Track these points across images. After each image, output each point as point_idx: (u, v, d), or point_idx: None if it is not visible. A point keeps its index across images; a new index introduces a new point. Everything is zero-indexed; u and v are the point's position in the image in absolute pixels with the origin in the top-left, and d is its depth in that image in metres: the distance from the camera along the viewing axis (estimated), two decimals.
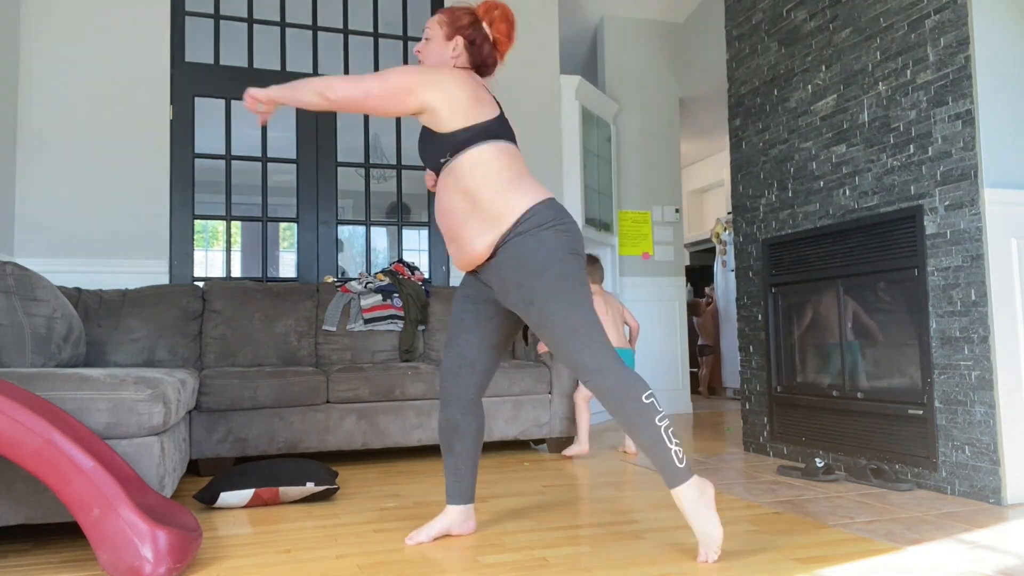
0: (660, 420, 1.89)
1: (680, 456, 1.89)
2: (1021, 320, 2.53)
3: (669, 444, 1.88)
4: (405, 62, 4.71)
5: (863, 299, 2.97)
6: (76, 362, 3.06)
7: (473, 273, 2.11)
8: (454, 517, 2.17)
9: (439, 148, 1.99)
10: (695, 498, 1.88)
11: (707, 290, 7.17)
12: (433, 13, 4.75)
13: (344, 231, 7.92)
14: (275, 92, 1.97)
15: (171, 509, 2.02)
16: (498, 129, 2.00)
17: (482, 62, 2.13)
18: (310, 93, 1.93)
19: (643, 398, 1.88)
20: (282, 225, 7.61)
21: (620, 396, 1.89)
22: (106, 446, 2.03)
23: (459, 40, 2.09)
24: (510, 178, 1.97)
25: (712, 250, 8.32)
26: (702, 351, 7.18)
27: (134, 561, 1.72)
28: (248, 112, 2.01)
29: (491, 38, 2.13)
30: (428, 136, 2.02)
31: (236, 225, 8.07)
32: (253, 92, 1.98)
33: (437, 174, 2.05)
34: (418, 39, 4.72)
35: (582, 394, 3.66)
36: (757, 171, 3.60)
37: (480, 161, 1.96)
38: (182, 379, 2.63)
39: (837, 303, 3.09)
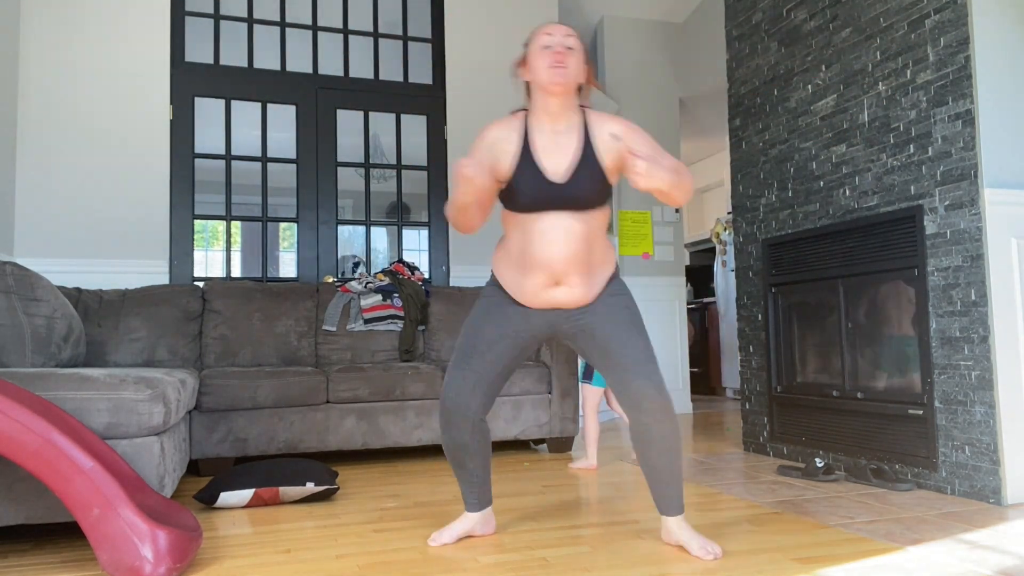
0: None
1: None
2: (1021, 320, 2.53)
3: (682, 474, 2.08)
4: (405, 62, 4.70)
5: (863, 299, 2.97)
6: (76, 362, 3.06)
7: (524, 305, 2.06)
8: (476, 520, 2.17)
9: (604, 193, 2.00)
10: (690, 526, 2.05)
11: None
12: (433, 13, 4.75)
13: (344, 231, 7.91)
14: (665, 180, 1.84)
15: (171, 509, 2.02)
16: None
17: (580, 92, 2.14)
18: (686, 191, 1.92)
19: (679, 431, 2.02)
20: (282, 225, 7.62)
21: (676, 422, 1.99)
22: (106, 446, 2.03)
23: (585, 69, 2.03)
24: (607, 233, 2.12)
25: (712, 250, 8.32)
26: None
27: (134, 561, 1.72)
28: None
29: None
30: (600, 177, 1.98)
31: (236, 225, 8.07)
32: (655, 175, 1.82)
33: (552, 207, 1.94)
34: (418, 39, 4.72)
35: (591, 404, 3.39)
36: (757, 171, 3.60)
37: (606, 218, 2.08)
38: (182, 379, 2.63)
39: (837, 303, 3.09)
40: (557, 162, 1.97)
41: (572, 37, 2.01)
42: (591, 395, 3.39)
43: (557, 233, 1.95)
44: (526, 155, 1.98)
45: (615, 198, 5.52)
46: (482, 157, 2.00)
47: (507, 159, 1.99)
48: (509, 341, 2.05)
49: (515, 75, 2.06)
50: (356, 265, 4.52)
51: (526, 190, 1.95)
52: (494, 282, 2.11)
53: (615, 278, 2.10)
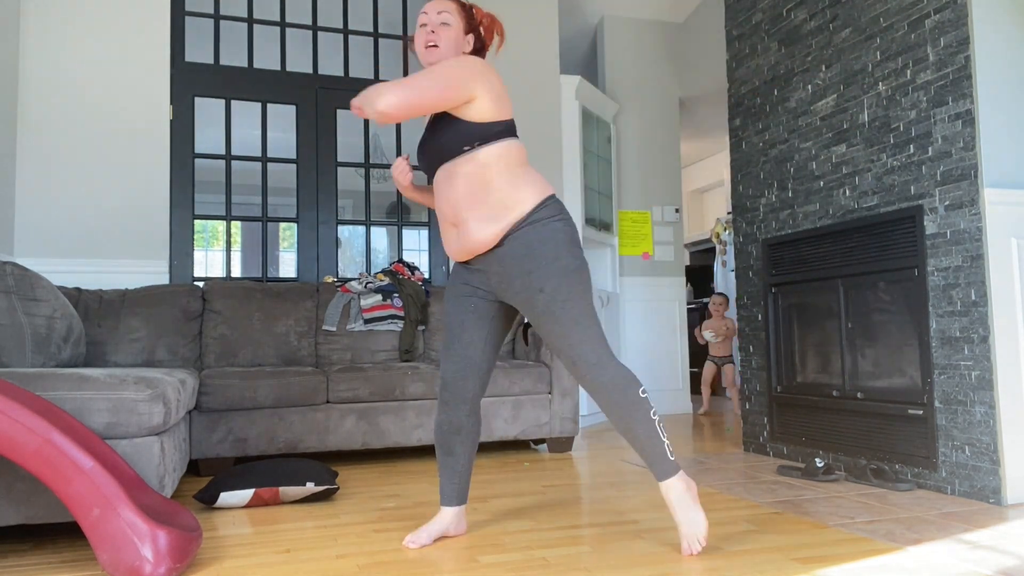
0: (654, 414, 1.98)
1: (671, 450, 1.99)
2: (1021, 320, 2.53)
3: (662, 437, 1.97)
4: (405, 62, 4.70)
5: (863, 299, 2.97)
6: (76, 362, 3.06)
7: (465, 270, 2.11)
8: (450, 519, 2.16)
9: (465, 136, 1.98)
10: (683, 490, 1.97)
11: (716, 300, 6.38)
12: None
13: (344, 231, 7.92)
14: (358, 101, 1.94)
15: (171, 509, 2.02)
16: (515, 128, 2.07)
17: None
18: (368, 110, 1.91)
19: (639, 392, 1.96)
20: (282, 225, 7.62)
21: (617, 390, 1.95)
22: (106, 446, 2.03)
23: (471, 37, 2.10)
24: (524, 173, 2.03)
25: (712, 250, 8.32)
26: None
27: (134, 561, 1.72)
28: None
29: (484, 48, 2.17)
30: (452, 123, 1.98)
31: (236, 225, 8.08)
32: (362, 105, 1.95)
33: (437, 164, 2.04)
34: None
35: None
36: (757, 171, 3.60)
37: (505, 155, 2.00)
38: (182, 379, 2.63)
39: (837, 303, 3.09)
40: (431, 120, 2.09)
41: (447, 13, 2.07)
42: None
43: (442, 183, 2.03)
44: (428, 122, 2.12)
45: (614, 198, 5.52)
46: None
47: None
48: (472, 316, 2.11)
49: (411, 51, 2.16)
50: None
51: (418, 155, 2.12)
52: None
53: (527, 217, 1.98)
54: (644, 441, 1.96)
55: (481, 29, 2.14)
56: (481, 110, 1.97)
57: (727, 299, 6.00)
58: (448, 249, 2.09)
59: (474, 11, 2.14)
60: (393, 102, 1.86)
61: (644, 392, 1.97)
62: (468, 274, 2.12)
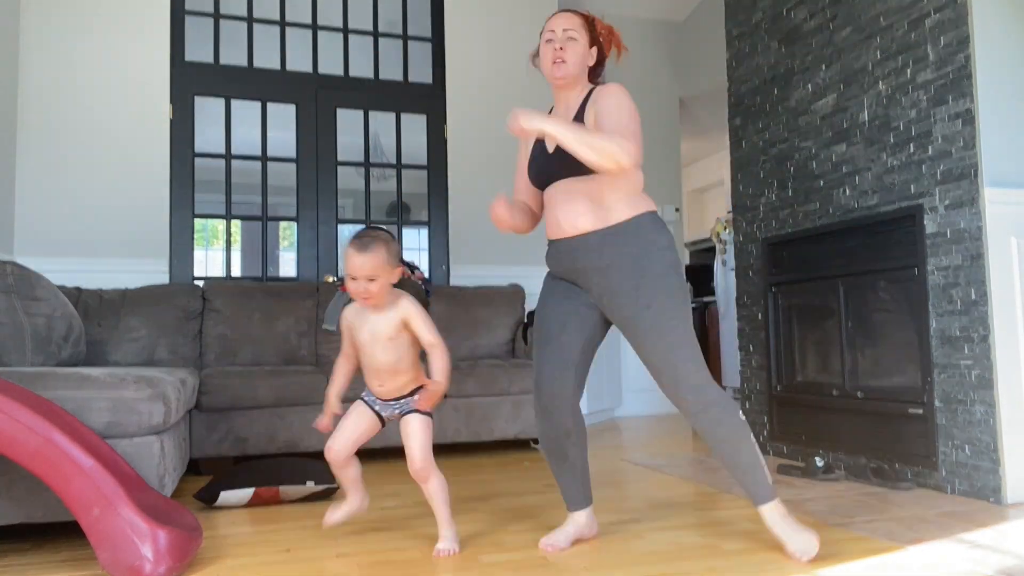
0: (752, 438, 1.96)
1: (768, 473, 1.96)
2: (1021, 320, 2.52)
3: (762, 461, 1.96)
4: (405, 62, 4.70)
5: (863, 298, 2.97)
6: (76, 361, 3.06)
7: (563, 270, 2.09)
8: (583, 521, 2.12)
9: None
10: (784, 513, 1.94)
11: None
12: (433, 14, 4.75)
13: (344, 231, 7.90)
14: (549, 128, 1.84)
15: (171, 508, 2.02)
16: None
17: (593, 73, 2.18)
18: (602, 157, 1.83)
19: (740, 415, 1.95)
20: (282, 224, 7.61)
21: (724, 412, 1.93)
22: (106, 445, 2.03)
23: (595, 50, 2.13)
24: (639, 193, 2.05)
25: (712, 250, 8.32)
26: None
27: (134, 560, 1.72)
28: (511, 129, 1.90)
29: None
30: None
31: (236, 224, 8.07)
32: (525, 124, 1.85)
33: (558, 178, 2.02)
34: (419, 38, 4.72)
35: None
36: (757, 170, 3.60)
37: (631, 178, 2.03)
38: (182, 378, 2.63)
39: (837, 302, 3.09)
40: None
41: (573, 30, 2.07)
42: None
43: (559, 196, 2.02)
44: (539, 139, 2.09)
45: None
46: (520, 186, 2.21)
47: (529, 144, 2.16)
48: (574, 319, 2.07)
49: (532, 65, 2.17)
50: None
51: (534, 167, 2.11)
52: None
53: (637, 223, 1.99)
54: (746, 466, 1.94)
55: (601, 40, 2.16)
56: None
57: None
58: (550, 232, 2.07)
59: (595, 23, 2.15)
60: (624, 162, 1.85)
61: (744, 415, 1.97)
62: (567, 284, 2.10)
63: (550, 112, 2.17)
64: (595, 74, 2.19)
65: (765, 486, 1.94)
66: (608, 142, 1.84)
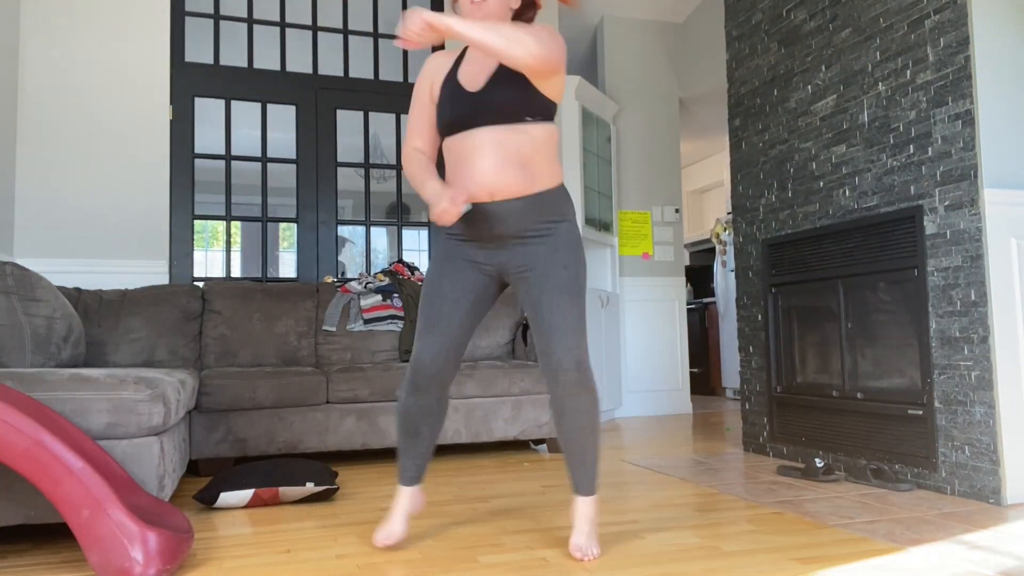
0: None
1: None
2: (1021, 320, 2.53)
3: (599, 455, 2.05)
4: (405, 62, 4.70)
5: (863, 299, 2.97)
6: (76, 362, 3.06)
7: (468, 247, 2.00)
8: (416, 497, 2.14)
9: (533, 104, 1.89)
10: (596, 511, 2.04)
11: None
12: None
13: (344, 231, 7.91)
14: (459, 27, 1.71)
15: (163, 510, 2.01)
16: None
17: (520, 18, 2.06)
18: (516, 44, 1.72)
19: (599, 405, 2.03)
20: (282, 225, 7.61)
21: (595, 399, 1.98)
22: (98, 447, 2.02)
23: None
24: (557, 157, 2.01)
25: (712, 250, 8.32)
26: None
27: (123, 562, 1.72)
28: (405, 35, 1.71)
29: None
30: (525, 87, 1.88)
31: (236, 225, 8.07)
32: (433, 21, 1.71)
33: (482, 122, 1.89)
34: None
35: None
36: (757, 171, 3.60)
37: (552, 138, 1.96)
38: (182, 379, 2.63)
39: (837, 303, 3.09)
40: (475, 76, 1.94)
41: None
42: None
43: (485, 147, 1.88)
44: (451, 76, 1.99)
45: (614, 198, 5.52)
46: (420, 106, 2.05)
47: (439, 82, 2.03)
48: (471, 295, 2.01)
49: (452, 10, 2.03)
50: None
51: (447, 108, 1.94)
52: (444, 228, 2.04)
53: (559, 198, 1.96)
54: (594, 453, 2.00)
55: None
56: (556, 87, 1.91)
57: None
58: (473, 193, 1.91)
59: None
60: (539, 53, 1.73)
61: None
62: (472, 250, 2.01)
63: (460, 57, 2.03)
64: (522, 17, 2.06)
65: (597, 477, 2.03)
66: (521, 32, 1.75)
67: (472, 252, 2.01)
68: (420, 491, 2.18)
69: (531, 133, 1.91)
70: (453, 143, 1.94)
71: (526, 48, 1.74)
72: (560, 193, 1.99)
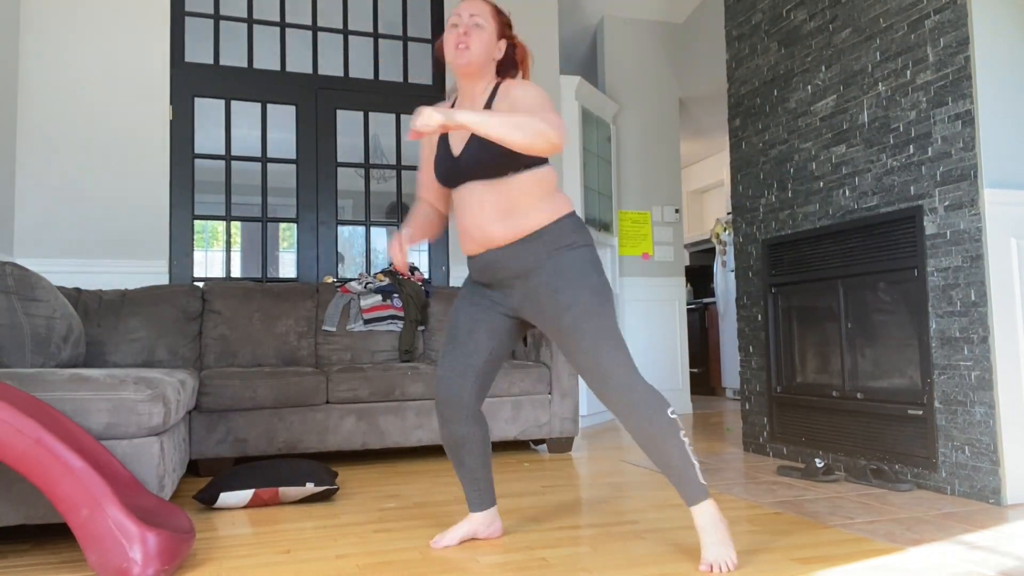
0: (684, 436, 1.89)
1: (701, 473, 1.91)
2: (1021, 320, 2.53)
3: (693, 460, 1.88)
4: (405, 62, 4.70)
5: (863, 299, 2.97)
6: (76, 362, 3.06)
7: (484, 286, 2.07)
8: (480, 522, 2.13)
9: (509, 159, 1.92)
10: (717, 516, 1.87)
11: None
12: (433, 15, 4.75)
13: (344, 232, 7.91)
14: (470, 120, 1.71)
15: (165, 510, 2.01)
16: None
17: (503, 73, 2.09)
18: (533, 136, 1.73)
19: (669, 413, 1.88)
20: (282, 225, 7.61)
21: (647, 412, 1.86)
22: (100, 446, 2.02)
23: (504, 43, 2.04)
24: (552, 198, 1.99)
25: (712, 250, 8.32)
26: None
27: (122, 562, 1.71)
28: (413, 129, 1.74)
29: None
30: (496, 145, 1.90)
31: (236, 225, 8.08)
32: (444, 121, 1.70)
33: (466, 179, 1.96)
34: (419, 39, 4.72)
35: None
36: (757, 171, 3.60)
37: (543, 180, 1.97)
38: (182, 379, 2.63)
39: (837, 303, 3.09)
40: (461, 136, 2.00)
41: (480, 16, 1.98)
42: None
43: (470, 203, 1.97)
44: (442, 138, 2.04)
45: (614, 198, 5.52)
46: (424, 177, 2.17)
47: (433, 141, 2.10)
48: (484, 326, 2.05)
49: (438, 54, 2.08)
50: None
51: (438, 168, 2.04)
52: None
53: (555, 230, 1.95)
54: (675, 464, 1.87)
55: (512, 36, 2.07)
56: None
57: None
58: (464, 248, 2.03)
59: (503, 15, 2.06)
60: (556, 142, 1.76)
61: (673, 413, 1.89)
62: (489, 292, 2.07)
63: (452, 106, 2.09)
64: (505, 73, 2.09)
65: (696, 485, 1.86)
66: (533, 119, 1.75)
67: (490, 293, 2.07)
68: (492, 516, 2.14)
69: (513, 183, 1.94)
70: (452, 196, 2.05)
71: (544, 138, 1.76)
72: (558, 226, 1.95)
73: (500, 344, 2.08)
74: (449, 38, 1.98)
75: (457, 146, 1.99)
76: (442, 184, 2.05)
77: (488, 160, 1.92)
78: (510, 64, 2.09)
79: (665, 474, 1.90)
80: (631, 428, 1.89)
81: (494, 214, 1.93)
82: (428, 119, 1.71)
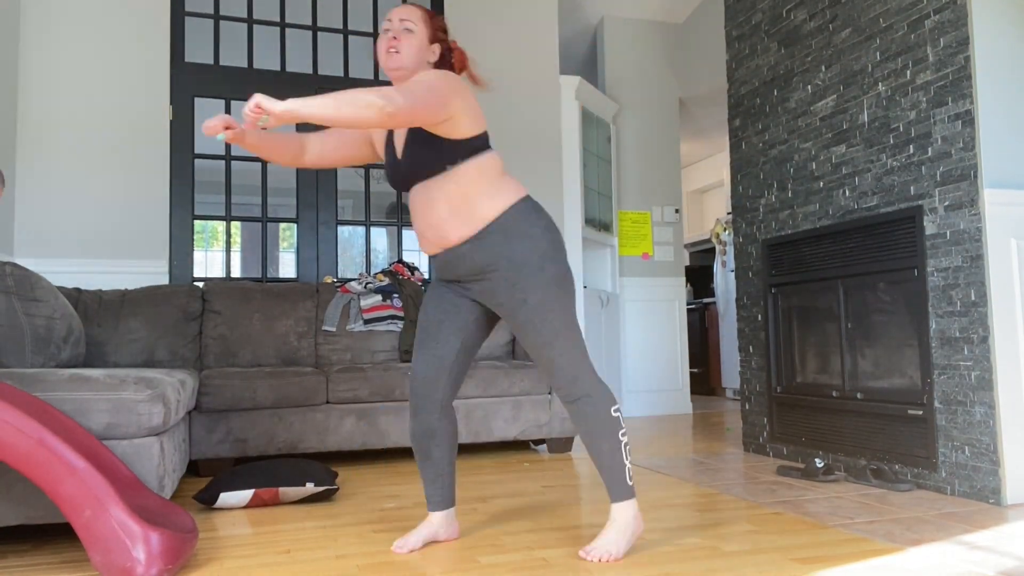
0: (623, 435, 1.99)
1: (631, 474, 1.99)
2: (1021, 320, 2.53)
3: (626, 460, 1.98)
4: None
5: (863, 299, 2.97)
6: (76, 362, 3.06)
7: (448, 278, 2.08)
8: (439, 523, 2.13)
9: (445, 154, 1.93)
10: (631, 519, 1.97)
11: None
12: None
13: (344, 232, 7.91)
14: (294, 105, 1.67)
15: (168, 510, 2.01)
16: (488, 138, 2.06)
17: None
18: (362, 108, 1.71)
19: (612, 411, 1.98)
20: (282, 225, 7.61)
21: (592, 405, 1.97)
22: (102, 446, 2.02)
23: (437, 47, 2.05)
24: (502, 182, 2.00)
25: (712, 250, 8.32)
26: None
27: (125, 562, 1.72)
28: (244, 119, 1.68)
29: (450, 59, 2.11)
30: (430, 142, 1.93)
31: (236, 225, 8.08)
32: (263, 103, 1.65)
33: (412, 182, 1.99)
34: None
35: None
36: (757, 171, 3.60)
37: (484, 169, 1.97)
38: (182, 379, 2.63)
39: (837, 303, 3.09)
40: (401, 139, 2.03)
41: (410, 21, 2.00)
42: None
43: (421, 204, 1.99)
44: (388, 139, 2.08)
45: (614, 198, 5.52)
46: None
47: (378, 141, 2.14)
48: (453, 319, 2.08)
49: (375, 58, 2.11)
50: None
51: (388, 173, 2.07)
52: None
53: (507, 219, 1.95)
54: (608, 459, 1.96)
55: (444, 40, 2.07)
56: (460, 127, 1.93)
57: None
58: (427, 245, 2.04)
59: (436, 19, 2.07)
60: (388, 108, 1.74)
61: (617, 411, 1.98)
62: (455, 284, 2.09)
63: None
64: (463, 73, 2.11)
65: (623, 486, 1.96)
66: (366, 92, 1.72)
67: (455, 287, 2.10)
68: (450, 517, 2.14)
69: (457, 177, 1.95)
70: (409, 201, 2.06)
71: (375, 108, 1.72)
72: (508, 216, 1.95)
73: (469, 336, 2.10)
74: (381, 42, 2.01)
75: (400, 149, 2.03)
76: (396, 189, 2.08)
77: (425, 157, 1.95)
78: (448, 68, 2.09)
79: (597, 468, 1.99)
80: (574, 420, 1.99)
81: (444, 212, 1.95)
82: (269, 105, 1.65)
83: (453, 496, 2.15)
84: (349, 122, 1.71)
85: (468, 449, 3.95)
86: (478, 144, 1.97)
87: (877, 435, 2.89)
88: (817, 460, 2.92)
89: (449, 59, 2.09)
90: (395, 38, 1.99)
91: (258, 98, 1.65)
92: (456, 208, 1.94)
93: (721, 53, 5.39)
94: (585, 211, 5.03)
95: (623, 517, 1.96)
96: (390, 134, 2.08)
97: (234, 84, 4.30)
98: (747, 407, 3.66)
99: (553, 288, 1.94)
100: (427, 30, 2.03)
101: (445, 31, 2.09)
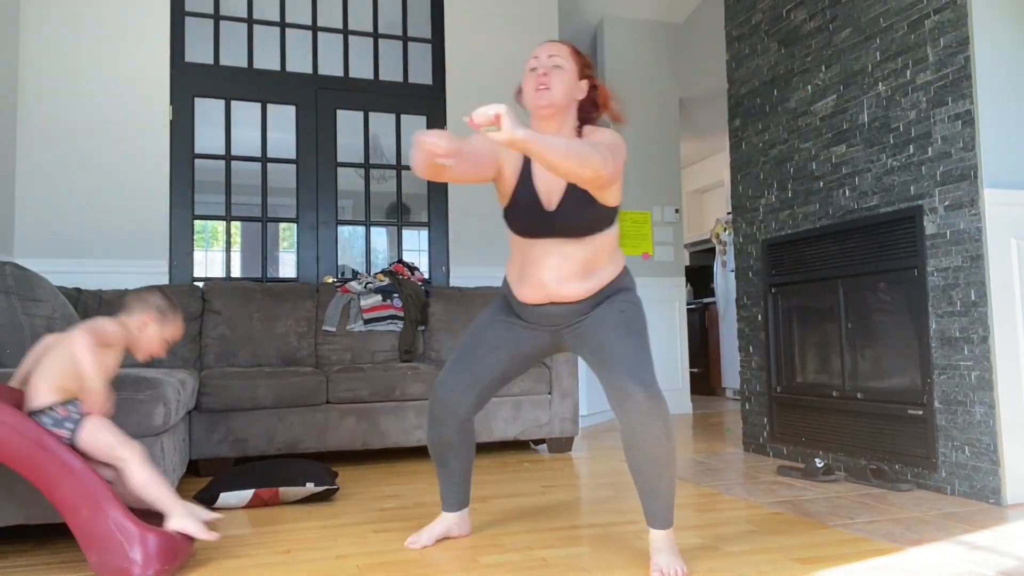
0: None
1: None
2: (1021, 320, 2.53)
3: (674, 484, 1.88)
4: (405, 63, 4.70)
5: (863, 299, 2.97)
6: None
7: (525, 312, 2.02)
8: (453, 521, 2.16)
9: (603, 219, 1.91)
10: (673, 542, 1.87)
11: None
12: (433, 15, 4.75)
13: (344, 232, 7.91)
14: (530, 136, 1.57)
15: None
16: None
17: (585, 117, 2.03)
18: (584, 165, 1.65)
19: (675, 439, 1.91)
20: (282, 225, 7.61)
21: (665, 425, 1.81)
22: None
23: (585, 83, 1.99)
24: (619, 253, 2.04)
25: (712, 250, 8.32)
26: None
27: (122, 563, 1.72)
28: (474, 117, 1.59)
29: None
30: (589, 204, 1.88)
31: (236, 225, 8.08)
32: (505, 119, 1.55)
33: (549, 235, 1.90)
34: (419, 40, 4.72)
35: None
36: (757, 171, 3.60)
37: (616, 236, 1.99)
38: (182, 379, 2.63)
39: (837, 303, 3.09)
40: (550, 190, 1.92)
41: (559, 56, 1.93)
42: None
43: (549, 257, 1.93)
44: (525, 177, 1.95)
45: None
46: (476, 144, 1.90)
47: (509, 171, 1.97)
48: (509, 348, 2.04)
49: (517, 102, 2.02)
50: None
51: (522, 216, 1.93)
52: (505, 289, 2.09)
53: (619, 281, 2.00)
54: (669, 486, 1.83)
55: (592, 77, 2.02)
56: (617, 194, 1.91)
57: None
58: (523, 296, 1.98)
59: (587, 59, 2.01)
60: (613, 172, 1.72)
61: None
62: (528, 315, 2.03)
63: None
64: (587, 116, 2.03)
65: (671, 513, 1.85)
66: (589, 148, 1.69)
67: (520, 321, 2.06)
68: (464, 516, 2.17)
69: (598, 242, 1.93)
70: (522, 243, 1.97)
71: (593, 169, 1.68)
72: (618, 279, 1.99)
73: (516, 368, 2.08)
74: (528, 80, 1.93)
75: (548, 199, 1.91)
76: (518, 233, 1.95)
77: (582, 221, 1.89)
78: (590, 107, 2.04)
79: (651, 495, 1.83)
80: (645, 440, 1.77)
81: (575, 273, 1.92)
82: (492, 111, 1.55)
83: (468, 497, 2.17)
84: (564, 171, 1.66)
85: None
86: (616, 213, 1.96)
87: (877, 435, 2.89)
88: (817, 460, 2.92)
89: (594, 96, 2.03)
90: (545, 74, 1.90)
91: (503, 109, 1.55)
92: (589, 269, 1.93)
93: (721, 53, 5.39)
94: None
95: (669, 542, 1.84)
96: (528, 171, 1.95)
97: (234, 84, 4.30)
98: (747, 407, 3.66)
99: (642, 322, 1.93)
100: (575, 66, 1.96)
101: (591, 67, 2.02)
